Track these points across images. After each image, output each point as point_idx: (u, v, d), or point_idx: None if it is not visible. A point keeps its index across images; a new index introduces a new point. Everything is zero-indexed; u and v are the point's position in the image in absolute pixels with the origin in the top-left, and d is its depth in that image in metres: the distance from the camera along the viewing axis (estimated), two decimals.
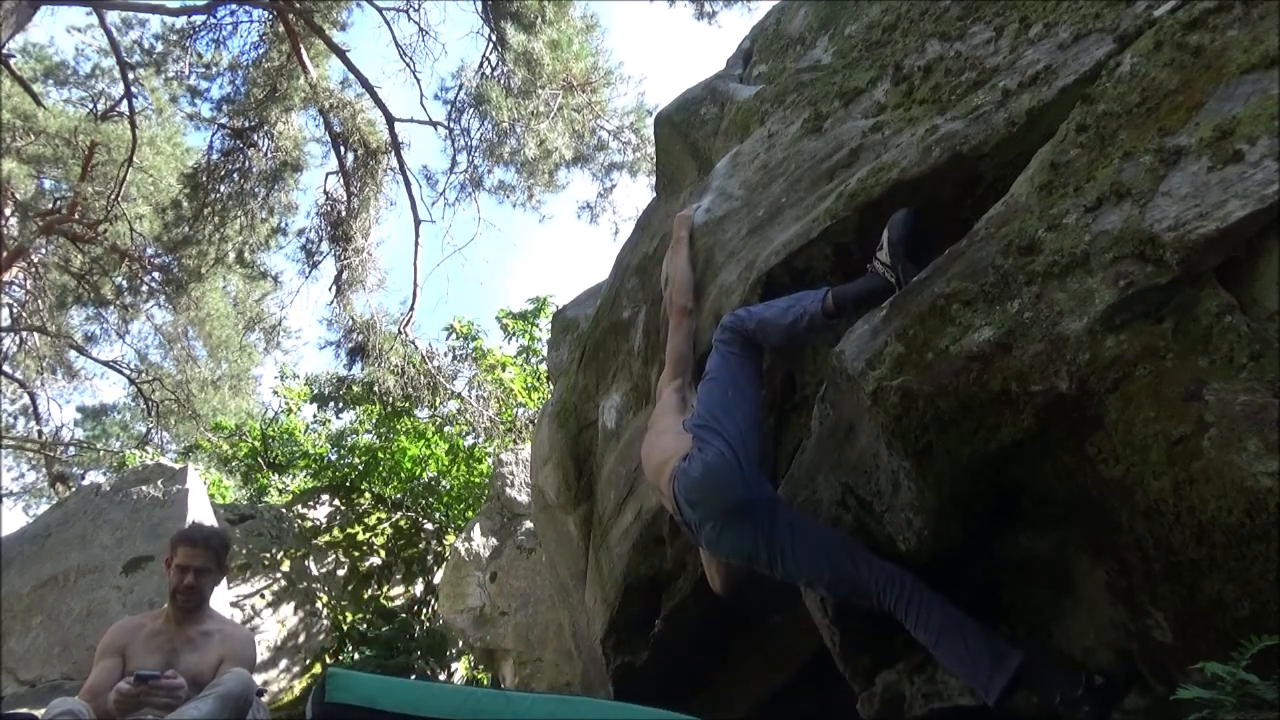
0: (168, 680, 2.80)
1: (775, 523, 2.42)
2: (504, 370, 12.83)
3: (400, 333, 12.38)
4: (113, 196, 12.03)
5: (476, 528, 8.93)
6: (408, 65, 12.11)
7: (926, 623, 2.17)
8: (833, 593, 2.52)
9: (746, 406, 2.56)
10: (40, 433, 16.41)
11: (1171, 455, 1.73)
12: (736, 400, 2.56)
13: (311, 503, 11.24)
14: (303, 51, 11.23)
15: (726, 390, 2.58)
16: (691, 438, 2.55)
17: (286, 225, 12.77)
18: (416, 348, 12.54)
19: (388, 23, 12.02)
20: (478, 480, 11.89)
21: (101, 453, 16.74)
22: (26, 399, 16.24)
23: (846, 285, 2.60)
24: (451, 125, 12.20)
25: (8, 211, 13.07)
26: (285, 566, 9.62)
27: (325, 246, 12.33)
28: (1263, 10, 2.02)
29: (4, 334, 14.86)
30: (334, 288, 12.16)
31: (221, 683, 2.88)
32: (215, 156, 11.65)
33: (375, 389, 11.86)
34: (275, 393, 15.45)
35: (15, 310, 14.76)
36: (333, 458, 13.24)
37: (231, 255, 12.33)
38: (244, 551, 9.14)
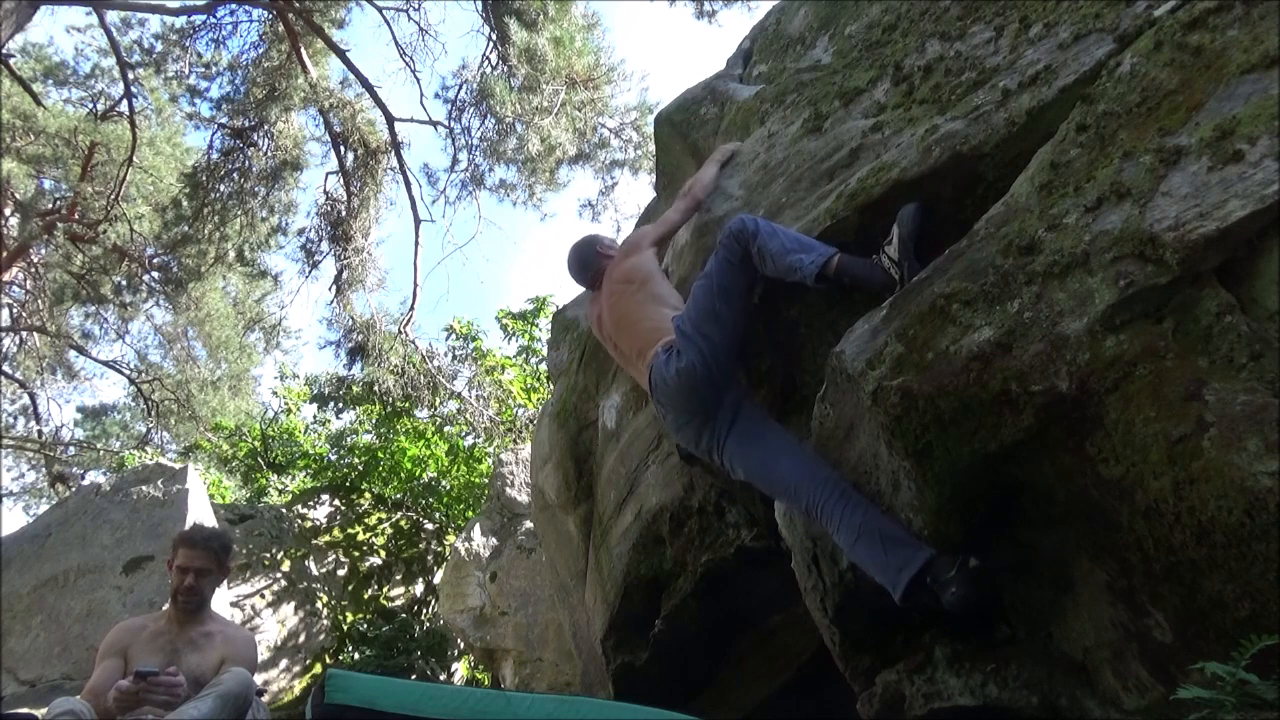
0: (167, 677, 2.80)
1: (730, 431, 2.63)
2: (503, 372, 12.83)
3: (400, 333, 12.36)
4: (113, 196, 12.01)
5: (476, 528, 8.93)
6: (408, 65, 12.11)
7: (847, 526, 2.27)
8: (767, 494, 2.76)
9: (731, 316, 2.70)
10: (40, 433, 16.37)
11: (1171, 455, 1.73)
12: (723, 310, 2.68)
13: (311, 503, 11.23)
14: (302, 51, 11.23)
15: (715, 300, 2.69)
16: (675, 331, 2.73)
17: (286, 225, 12.77)
18: (416, 348, 12.53)
19: (387, 22, 12.03)
20: (478, 480, 11.89)
21: (101, 453, 16.70)
22: (26, 399, 16.23)
23: (854, 259, 2.61)
24: (452, 124, 12.20)
25: (8, 211, 13.06)
26: (285, 566, 9.61)
27: (325, 246, 12.32)
28: (1263, 10, 2.02)
29: (4, 334, 14.84)
30: (334, 287, 12.16)
31: (221, 682, 2.87)
32: (215, 156, 11.65)
33: (375, 389, 11.85)
34: (275, 393, 15.48)
35: (15, 310, 14.75)
36: (333, 458, 13.23)
37: (231, 254, 12.31)
38: (244, 551, 9.14)
